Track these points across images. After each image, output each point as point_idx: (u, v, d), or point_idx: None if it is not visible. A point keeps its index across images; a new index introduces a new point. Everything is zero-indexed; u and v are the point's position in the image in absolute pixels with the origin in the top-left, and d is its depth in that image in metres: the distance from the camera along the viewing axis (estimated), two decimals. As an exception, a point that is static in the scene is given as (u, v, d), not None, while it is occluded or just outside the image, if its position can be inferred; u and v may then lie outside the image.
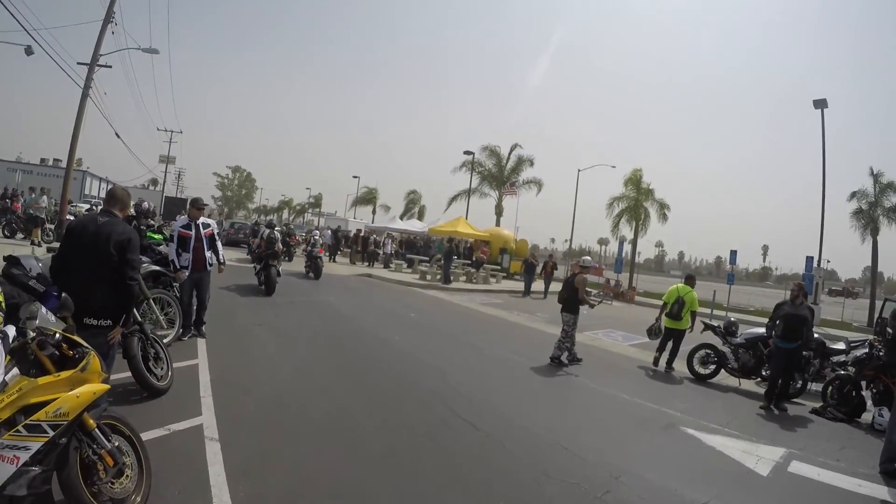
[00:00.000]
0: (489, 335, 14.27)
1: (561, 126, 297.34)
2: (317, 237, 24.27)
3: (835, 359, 11.53)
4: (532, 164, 48.73)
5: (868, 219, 34.55)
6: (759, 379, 11.68)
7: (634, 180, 42.39)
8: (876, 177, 34.53)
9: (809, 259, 30.64)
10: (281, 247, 17.75)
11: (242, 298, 15.05)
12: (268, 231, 17.50)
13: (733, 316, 24.58)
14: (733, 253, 33.31)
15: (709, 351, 11.95)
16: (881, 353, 10.10)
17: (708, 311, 24.99)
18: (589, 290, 12.76)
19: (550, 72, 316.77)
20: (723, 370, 11.78)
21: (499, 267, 36.21)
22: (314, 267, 22.51)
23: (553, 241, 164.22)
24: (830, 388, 10.51)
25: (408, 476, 5.39)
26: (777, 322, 10.38)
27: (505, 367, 10.73)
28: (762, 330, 11.41)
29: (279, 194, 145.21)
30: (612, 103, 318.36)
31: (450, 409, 7.53)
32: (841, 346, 11.90)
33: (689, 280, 13.21)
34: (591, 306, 12.28)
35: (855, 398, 10.25)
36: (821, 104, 30.84)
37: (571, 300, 11.73)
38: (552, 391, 9.57)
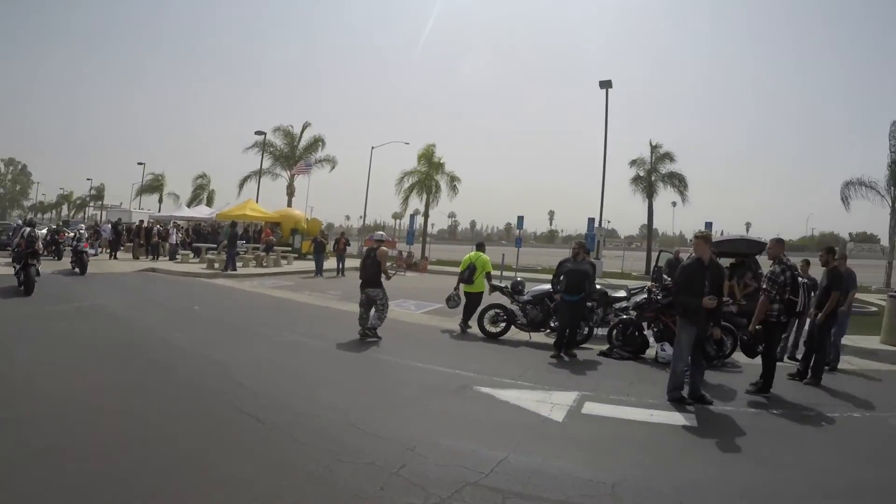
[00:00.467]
0: (278, 320, 13.28)
1: (360, 105, 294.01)
2: (82, 231, 22.29)
3: (617, 305, 12.16)
4: (324, 143, 47.59)
5: (646, 183, 39.07)
6: (548, 331, 12.03)
7: (427, 155, 42.75)
8: (654, 147, 39.46)
9: (591, 220, 33.47)
10: (41, 246, 16.22)
11: (-7, 303, 12.95)
12: (28, 229, 15.60)
13: (522, 276, 25.51)
14: (520, 219, 35.13)
15: (498, 310, 12.08)
16: (658, 297, 10.69)
17: (499, 273, 25.71)
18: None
19: (343, 53, 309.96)
20: (513, 327, 11.98)
21: (290, 248, 35.02)
22: (79, 262, 20.44)
23: (348, 218, 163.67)
24: (615, 331, 11.02)
25: (188, 491, 4.55)
26: (561, 278, 10.73)
27: (295, 353, 9.91)
28: (548, 286, 11.76)
29: (58, 188, 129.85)
30: (402, 81, 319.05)
31: (233, 407, 6.58)
32: (622, 293, 12.63)
33: (480, 247, 13.84)
34: (388, 277, 11.89)
35: (638, 338, 10.89)
36: (606, 84, 34.67)
37: (375, 273, 11.44)
38: (344, 371, 8.94)
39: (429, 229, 45.71)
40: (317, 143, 47.54)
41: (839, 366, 10.92)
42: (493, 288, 12.78)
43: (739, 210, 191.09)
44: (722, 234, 17.62)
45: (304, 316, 14.29)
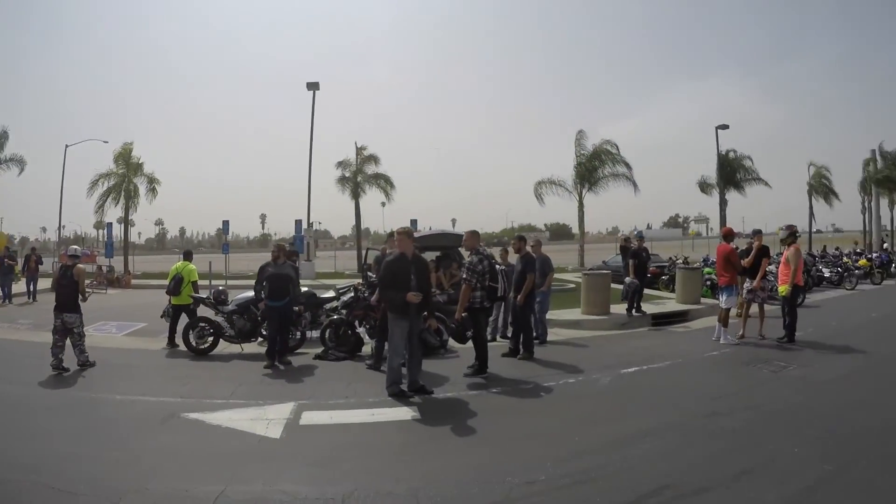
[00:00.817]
0: None
1: (58, 100, 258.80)
2: None
3: (327, 306, 11.96)
4: (6, 136, 38.69)
5: (352, 184, 39.97)
6: (259, 340, 11.37)
7: (125, 155, 38.15)
8: (359, 149, 40.50)
9: (298, 222, 33.77)
10: None
11: None
12: None
13: (234, 283, 24.42)
14: (226, 223, 34.90)
15: (203, 324, 11.17)
16: (365, 294, 10.75)
17: (207, 282, 24.35)
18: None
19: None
20: (222, 340, 11.16)
21: None
22: None
23: (44, 230, 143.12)
24: (328, 333, 10.81)
25: None
26: (264, 283, 10.24)
27: None
28: (251, 293, 11.10)
29: None
30: (108, 72, 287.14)
31: None
32: (331, 294, 12.44)
33: (187, 255, 13.16)
34: (84, 299, 10.20)
35: (352, 336, 10.80)
36: (313, 86, 34.94)
37: (73, 295, 9.87)
38: (36, 418, 7.31)
39: (134, 239, 41.41)
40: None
41: (548, 338, 11.98)
42: (195, 300, 11.83)
43: (448, 206, 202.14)
44: (430, 228, 18.74)
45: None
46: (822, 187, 44.06)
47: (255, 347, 11.29)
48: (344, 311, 11.13)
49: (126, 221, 40.85)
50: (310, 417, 6.87)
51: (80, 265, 10.30)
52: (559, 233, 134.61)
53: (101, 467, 5.45)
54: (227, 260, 32.14)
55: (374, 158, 40.65)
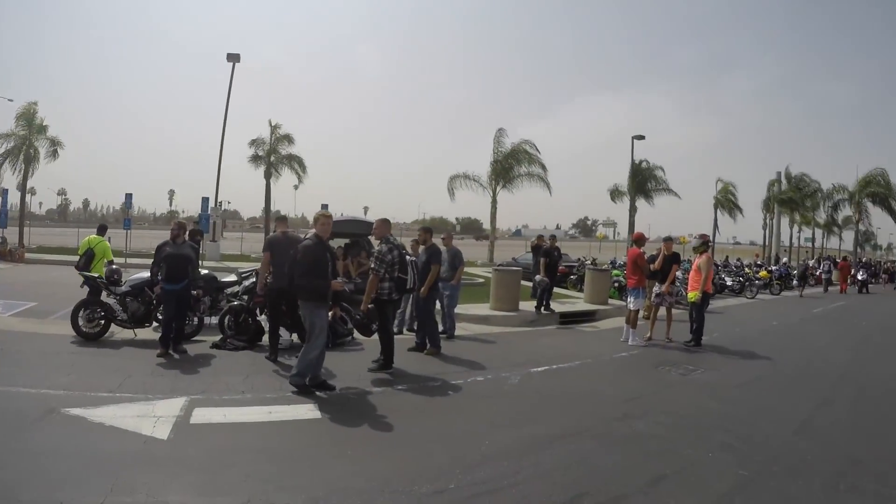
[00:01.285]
0: None
1: None
2: None
3: (228, 291, 11.39)
4: None
5: (266, 163, 39.10)
6: (155, 325, 10.55)
7: (28, 115, 34.75)
8: (273, 127, 39.44)
9: (205, 199, 32.19)
10: None
11: None
12: None
13: (134, 262, 23.18)
14: (129, 196, 32.68)
15: (94, 306, 10.22)
16: (268, 279, 10.05)
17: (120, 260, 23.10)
18: None
19: None
20: (113, 324, 10.23)
21: None
22: None
23: None
24: (227, 319, 10.19)
25: None
26: (161, 264, 9.40)
27: None
28: (147, 274, 10.30)
29: None
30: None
31: None
32: (232, 278, 11.80)
33: (102, 230, 12.87)
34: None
35: (252, 325, 10.19)
36: (234, 58, 32.27)
37: None
38: None
39: (35, 209, 38.48)
40: None
41: (456, 333, 11.71)
42: (85, 279, 10.91)
43: (360, 192, 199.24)
44: (342, 215, 18.17)
45: None
46: (727, 202, 47.04)
47: (149, 333, 10.47)
48: (245, 297, 10.54)
49: (24, 188, 37.73)
50: (202, 415, 6.29)
51: None
52: (470, 227, 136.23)
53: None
54: (128, 236, 30.46)
55: (288, 138, 39.78)
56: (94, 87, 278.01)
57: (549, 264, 15.33)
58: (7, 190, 34.08)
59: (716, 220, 46.90)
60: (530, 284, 15.84)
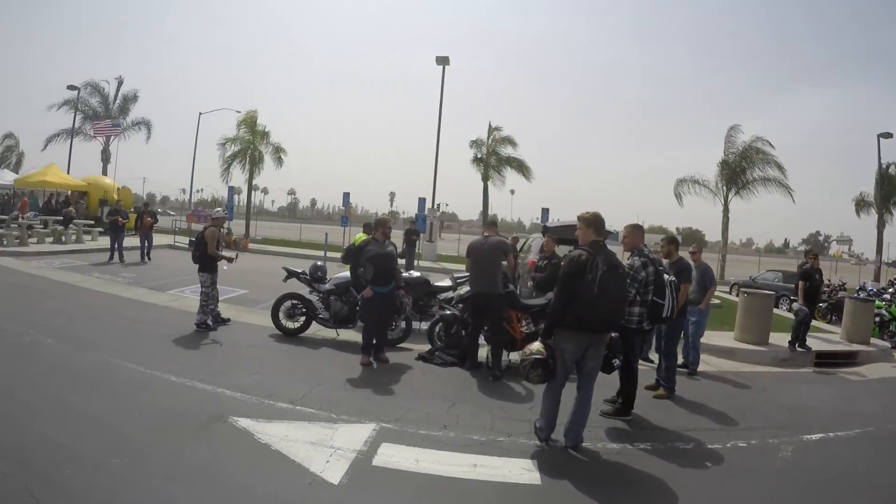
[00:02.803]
0: (35, 312, 9.76)
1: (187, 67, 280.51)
2: None
3: (441, 296, 10.01)
4: (136, 98, 42.12)
5: (483, 165, 36.39)
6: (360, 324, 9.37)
7: (249, 122, 37.65)
8: (492, 129, 36.71)
9: (422, 200, 31.11)
10: None
11: None
12: None
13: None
14: (346, 195, 32.87)
15: (295, 301, 9.40)
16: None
17: (320, 253, 23.70)
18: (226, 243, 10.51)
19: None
20: (314, 322, 9.38)
21: (94, 222, 28.56)
22: None
23: (184, 191, 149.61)
24: (437, 329, 8.80)
25: None
26: (367, 265, 8.04)
27: (16, 360, 6.85)
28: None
29: None
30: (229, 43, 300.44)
31: None
32: (447, 282, 10.46)
33: (368, 227, 11.01)
34: (230, 261, 10.12)
35: (465, 338, 8.55)
36: (443, 61, 31.45)
37: (203, 257, 9.77)
38: (66, 391, 5.93)
39: (267, 206, 41.40)
40: (129, 101, 41.95)
41: (699, 368, 9.43)
42: (289, 273, 10.10)
43: (579, 198, 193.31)
44: (558, 221, 16.13)
45: (72, 306, 10.70)
46: None
47: (352, 335, 9.40)
48: (460, 306, 9.06)
49: (250, 186, 40.39)
50: (389, 455, 4.84)
51: (212, 228, 9.96)
52: (689, 239, 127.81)
53: (91, 488, 3.84)
54: (345, 233, 31.04)
55: (509, 141, 36.99)
56: (308, 90, 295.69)
57: (809, 289, 12.20)
58: (233, 188, 36.67)
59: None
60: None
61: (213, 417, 5.21)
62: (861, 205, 34.70)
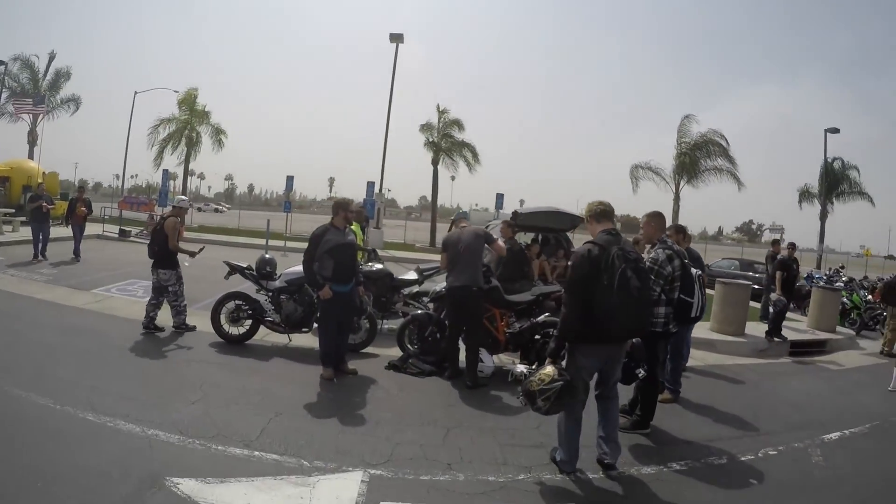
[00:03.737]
0: None
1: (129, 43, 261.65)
2: None
3: (406, 291, 8.74)
4: (69, 75, 38.17)
5: (434, 149, 33.54)
6: (311, 328, 7.97)
7: (189, 101, 34.55)
8: (441, 112, 33.79)
9: (371, 184, 29.64)
10: None
11: None
12: None
13: (294, 245, 21.28)
14: (290, 179, 31.03)
15: (240, 302, 7.79)
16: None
17: (262, 241, 21.46)
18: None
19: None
20: (262, 326, 7.82)
21: (13, 211, 24.85)
22: None
23: (118, 177, 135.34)
24: (408, 332, 7.46)
25: None
26: (324, 257, 6.53)
27: None
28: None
29: None
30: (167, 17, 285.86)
31: None
32: (412, 275, 9.07)
33: (358, 216, 10.07)
34: (192, 255, 8.61)
35: (442, 341, 7.32)
36: (396, 39, 29.63)
37: (164, 251, 8.27)
38: None
39: (203, 192, 38.62)
40: (60, 79, 37.99)
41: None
42: (232, 268, 8.36)
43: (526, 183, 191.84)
44: (522, 205, 14.47)
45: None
46: None
47: (307, 339, 7.98)
48: (432, 305, 7.78)
49: (186, 169, 36.95)
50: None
51: (172, 218, 8.53)
52: (630, 226, 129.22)
53: None
54: (288, 219, 29.07)
55: (457, 124, 33.93)
56: (253, 73, 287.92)
57: (787, 280, 11.76)
58: (167, 172, 33.60)
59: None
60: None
61: (144, 480, 3.74)
62: (805, 195, 35.20)
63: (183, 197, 9.25)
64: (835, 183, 33.24)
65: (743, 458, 5.21)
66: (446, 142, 33.64)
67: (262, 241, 21.28)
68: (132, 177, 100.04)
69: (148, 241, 8.71)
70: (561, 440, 4.44)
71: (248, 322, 7.71)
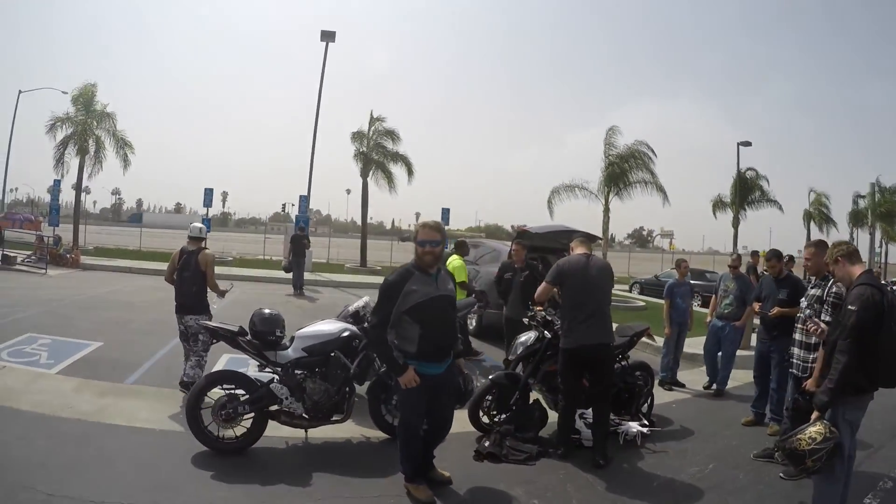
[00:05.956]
0: None
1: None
2: None
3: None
4: None
5: (363, 160, 29.48)
6: (340, 417, 5.17)
7: (85, 97, 26.38)
8: (374, 120, 29.76)
9: (303, 198, 25.63)
10: None
11: None
12: None
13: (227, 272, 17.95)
14: (208, 192, 26.10)
15: (231, 387, 4.66)
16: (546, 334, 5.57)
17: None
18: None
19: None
20: (270, 419, 4.82)
21: None
22: None
23: (15, 190, 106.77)
24: (486, 402, 5.34)
25: None
26: (405, 318, 3.98)
27: None
28: (339, 326, 5.32)
29: None
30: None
31: None
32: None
33: (461, 247, 9.22)
34: (222, 295, 6.55)
35: (534, 408, 5.45)
36: (328, 37, 25.44)
37: (200, 292, 6.27)
38: None
39: (90, 207, 31.17)
40: None
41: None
42: (214, 335, 5.26)
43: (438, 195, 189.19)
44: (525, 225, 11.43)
45: None
46: (820, 215, 41.71)
47: (337, 431, 5.19)
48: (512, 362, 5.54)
49: (80, 180, 27.95)
50: None
51: (207, 250, 6.56)
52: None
53: None
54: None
55: (392, 134, 29.90)
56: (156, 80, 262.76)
57: None
58: (59, 181, 26.75)
59: (809, 235, 40.34)
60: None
61: None
62: (718, 205, 35.89)
63: (198, 224, 6.78)
64: (747, 192, 34.24)
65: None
66: (378, 153, 29.85)
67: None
68: (12, 190, 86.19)
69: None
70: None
71: (249, 417, 4.74)
